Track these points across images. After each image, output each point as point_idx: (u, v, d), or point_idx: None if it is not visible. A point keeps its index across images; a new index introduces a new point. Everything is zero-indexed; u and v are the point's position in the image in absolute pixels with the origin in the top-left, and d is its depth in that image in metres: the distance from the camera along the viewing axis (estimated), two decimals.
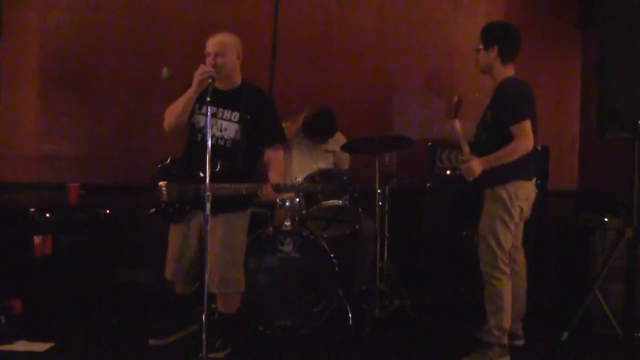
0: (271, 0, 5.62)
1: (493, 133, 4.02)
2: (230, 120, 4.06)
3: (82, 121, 5.66)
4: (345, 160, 5.17)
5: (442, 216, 5.17)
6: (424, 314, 4.75)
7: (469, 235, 5.03)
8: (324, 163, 5.06)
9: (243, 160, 4.04)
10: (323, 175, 4.63)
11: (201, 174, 3.79)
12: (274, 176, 4.04)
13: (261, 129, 4.09)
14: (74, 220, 4.80)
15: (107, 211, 4.98)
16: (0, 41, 4.71)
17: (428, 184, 5.24)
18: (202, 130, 4.05)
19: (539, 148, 5.10)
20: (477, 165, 3.96)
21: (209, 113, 3.63)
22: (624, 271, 4.40)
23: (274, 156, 4.13)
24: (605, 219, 4.63)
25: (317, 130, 4.99)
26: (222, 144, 4.04)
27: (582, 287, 4.54)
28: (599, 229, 4.61)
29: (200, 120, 4.07)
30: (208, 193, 3.57)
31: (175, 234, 4.14)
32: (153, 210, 4.10)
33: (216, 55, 3.97)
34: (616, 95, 4.35)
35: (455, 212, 5.14)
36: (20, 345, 4.13)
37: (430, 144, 5.29)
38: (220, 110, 4.05)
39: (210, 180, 3.57)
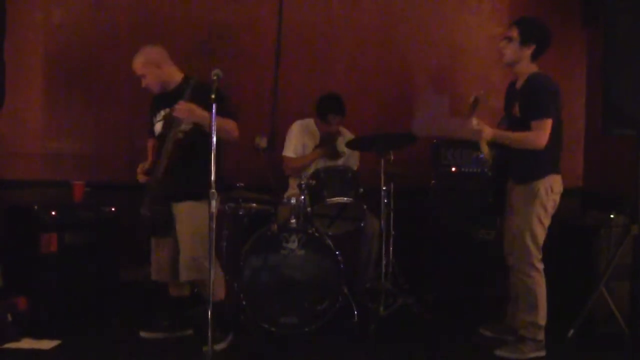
0: (275, 0, 5.62)
1: (518, 126, 4.04)
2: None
3: (86, 119, 5.65)
4: (355, 159, 5.17)
5: (447, 214, 5.16)
6: (427, 312, 4.74)
7: (474, 233, 5.03)
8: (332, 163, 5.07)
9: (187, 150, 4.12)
10: (328, 172, 4.64)
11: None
12: None
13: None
14: (78, 218, 4.80)
15: (112, 209, 4.98)
16: (5, 39, 4.70)
17: (432, 182, 5.24)
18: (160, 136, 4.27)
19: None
20: (488, 129, 3.99)
21: (214, 110, 3.63)
22: (629, 269, 4.39)
23: None
24: (611, 217, 4.62)
25: (328, 109, 5.00)
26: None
27: (587, 285, 4.53)
28: (604, 227, 4.60)
29: (157, 127, 4.32)
30: (213, 190, 3.58)
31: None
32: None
33: (141, 77, 4.24)
34: (621, 93, 4.35)
35: (460, 210, 5.14)
36: (26, 343, 4.14)
37: (434, 141, 5.29)
38: (168, 110, 4.19)
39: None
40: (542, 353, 4.07)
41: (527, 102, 4.04)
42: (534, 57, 4.10)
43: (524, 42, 4.06)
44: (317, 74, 5.74)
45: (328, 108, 5.00)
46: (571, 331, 4.35)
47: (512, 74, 4.24)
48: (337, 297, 4.37)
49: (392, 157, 4.78)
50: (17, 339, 4.15)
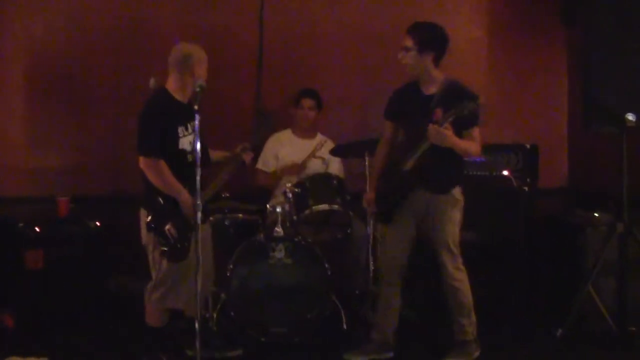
0: (256, 3, 5.62)
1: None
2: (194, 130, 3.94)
3: (70, 131, 5.58)
4: (338, 170, 5.11)
5: None
6: (417, 316, 4.74)
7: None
8: (312, 170, 5.04)
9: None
10: (313, 180, 4.63)
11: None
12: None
13: None
14: (64, 233, 4.78)
15: (97, 223, 4.95)
16: None
17: None
18: (191, 152, 3.91)
19: (528, 146, 5.14)
20: (451, 136, 3.82)
21: (197, 121, 3.60)
22: (616, 266, 4.41)
23: None
24: (596, 215, 4.64)
25: (301, 93, 5.17)
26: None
27: (575, 283, 4.55)
28: (590, 225, 4.62)
29: (187, 143, 3.94)
30: (199, 202, 3.56)
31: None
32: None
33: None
34: (603, 90, 4.37)
35: None
36: None
37: None
38: (191, 124, 3.91)
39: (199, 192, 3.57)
40: (479, 351, 4.11)
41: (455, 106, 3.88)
42: (437, 63, 4.02)
43: (421, 50, 3.94)
44: (300, 79, 5.72)
45: (301, 93, 5.18)
46: (560, 331, 4.37)
47: (409, 78, 4.13)
48: (326, 305, 4.36)
49: None
50: (3, 357, 4.10)
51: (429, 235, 4.08)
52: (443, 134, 3.80)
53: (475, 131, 3.97)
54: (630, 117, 4.29)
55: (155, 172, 3.85)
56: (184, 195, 3.84)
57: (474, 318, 4.10)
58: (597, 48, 4.41)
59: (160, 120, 3.90)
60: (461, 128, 3.91)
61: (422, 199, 4.03)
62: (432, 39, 3.99)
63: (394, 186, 4.08)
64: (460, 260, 4.08)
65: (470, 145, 3.96)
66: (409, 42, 3.97)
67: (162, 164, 3.85)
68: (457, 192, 4.06)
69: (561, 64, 5.84)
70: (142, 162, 3.88)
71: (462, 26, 5.79)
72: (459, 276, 4.07)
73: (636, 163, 4.35)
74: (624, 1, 4.41)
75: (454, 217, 4.06)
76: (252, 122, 5.48)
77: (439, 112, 3.90)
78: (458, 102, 3.80)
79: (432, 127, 3.81)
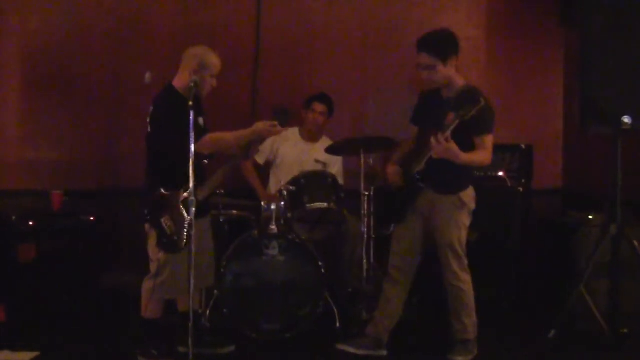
0: (253, 3, 5.61)
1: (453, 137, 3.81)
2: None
3: (64, 126, 5.59)
4: (337, 172, 5.08)
5: None
6: (411, 314, 4.74)
7: None
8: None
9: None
10: (308, 178, 4.62)
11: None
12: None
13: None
14: (57, 227, 4.77)
15: (91, 218, 4.94)
16: None
17: None
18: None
19: (523, 146, 5.14)
20: (452, 149, 3.76)
21: (191, 116, 3.58)
22: (608, 268, 4.42)
23: None
24: (590, 217, 4.64)
25: (314, 97, 5.13)
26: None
27: (567, 284, 4.56)
28: (584, 227, 4.63)
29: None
30: (192, 198, 3.54)
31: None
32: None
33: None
34: (599, 91, 4.36)
35: None
36: (4, 355, 4.07)
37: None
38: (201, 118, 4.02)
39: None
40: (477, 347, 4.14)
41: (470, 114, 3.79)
42: (454, 65, 3.98)
43: (445, 60, 3.90)
44: (296, 77, 5.73)
45: (314, 97, 5.14)
46: (552, 332, 4.37)
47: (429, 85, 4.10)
48: (319, 302, 4.36)
49: (371, 161, 4.76)
50: None
51: (435, 236, 4.08)
52: (447, 148, 3.74)
53: (486, 139, 3.89)
54: (627, 119, 4.28)
55: (211, 145, 3.93)
56: (244, 131, 3.94)
57: (475, 318, 4.11)
58: (595, 50, 4.41)
59: (177, 112, 3.82)
60: (471, 134, 3.88)
61: (428, 199, 4.05)
62: (450, 46, 3.96)
63: (404, 188, 4.11)
64: (465, 262, 4.07)
65: (476, 157, 3.89)
66: (428, 60, 3.92)
67: (209, 136, 3.92)
68: (465, 195, 4.04)
69: (558, 65, 5.86)
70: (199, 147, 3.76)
71: (461, 25, 5.77)
72: (464, 277, 4.07)
73: (630, 165, 4.36)
74: (622, 3, 4.41)
75: (460, 220, 4.04)
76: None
77: (450, 116, 3.84)
78: (462, 106, 3.75)
79: (434, 141, 3.76)
